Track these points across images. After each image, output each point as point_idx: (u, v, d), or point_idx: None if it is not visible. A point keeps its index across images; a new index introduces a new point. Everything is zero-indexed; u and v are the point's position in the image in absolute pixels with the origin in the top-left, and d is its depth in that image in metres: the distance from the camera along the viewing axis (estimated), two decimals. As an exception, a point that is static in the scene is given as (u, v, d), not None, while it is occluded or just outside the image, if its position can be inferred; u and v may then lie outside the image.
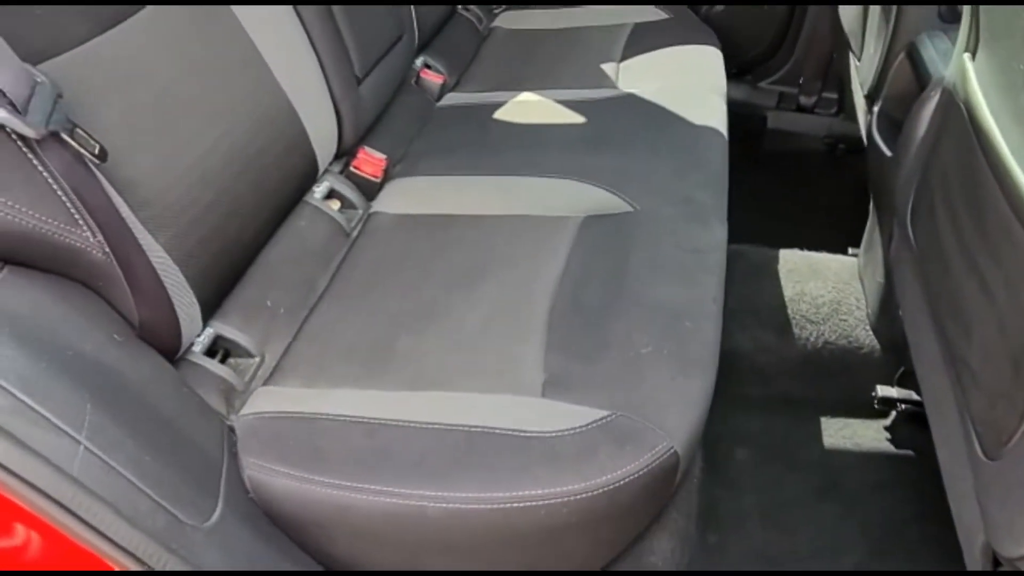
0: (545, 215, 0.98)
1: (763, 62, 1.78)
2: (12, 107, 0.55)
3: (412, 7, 1.26)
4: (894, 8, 1.03)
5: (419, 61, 1.36)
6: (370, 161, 1.08)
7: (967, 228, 0.68)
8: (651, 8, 1.56)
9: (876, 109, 1.08)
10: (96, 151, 0.61)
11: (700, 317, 0.80)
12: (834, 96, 1.73)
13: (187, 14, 0.81)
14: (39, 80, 0.59)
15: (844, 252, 1.32)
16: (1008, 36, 0.68)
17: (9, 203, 0.56)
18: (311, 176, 1.00)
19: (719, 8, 1.72)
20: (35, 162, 0.57)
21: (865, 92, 1.16)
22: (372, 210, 1.05)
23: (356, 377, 0.77)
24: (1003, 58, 0.67)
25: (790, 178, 1.67)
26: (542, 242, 0.94)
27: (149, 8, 0.76)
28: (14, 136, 0.56)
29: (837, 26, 1.46)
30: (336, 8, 1.03)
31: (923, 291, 0.79)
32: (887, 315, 1.07)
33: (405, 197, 1.07)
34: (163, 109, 0.75)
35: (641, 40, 1.44)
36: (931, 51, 0.95)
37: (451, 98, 1.33)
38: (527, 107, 1.25)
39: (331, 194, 1.03)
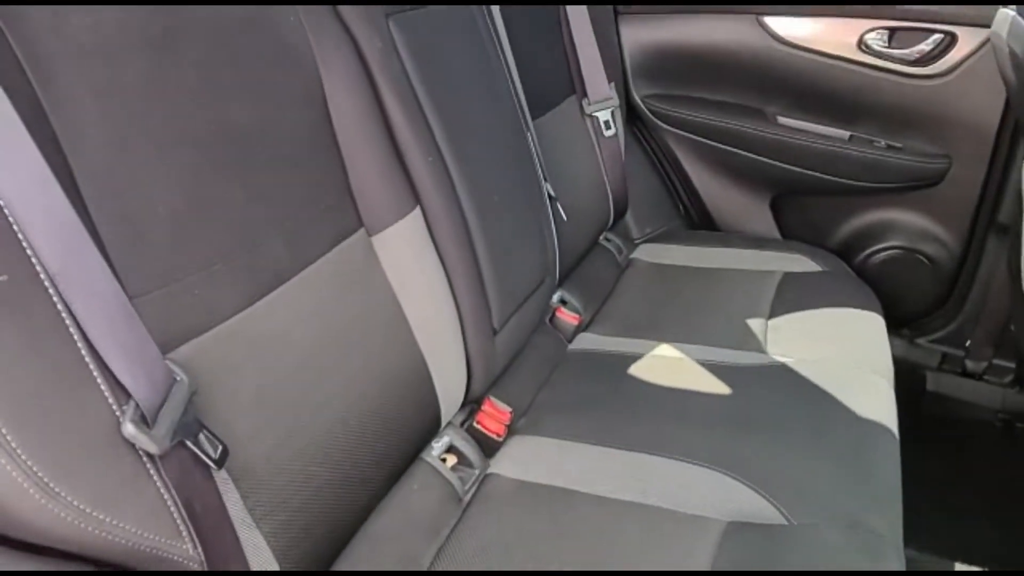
0: (682, 511, 0.86)
1: (923, 316, 1.64)
2: (142, 419, 0.52)
3: (556, 247, 1.24)
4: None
5: (555, 297, 1.33)
6: (494, 416, 1.02)
7: None
8: (801, 258, 1.48)
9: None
10: (218, 453, 0.57)
11: None
12: (1010, 365, 1.55)
13: (338, 278, 0.80)
14: (177, 378, 0.56)
15: None
16: None
17: (114, 522, 0.51)
18: (432, 432, 0.95)
19: (876, 258, 1.62)
20: (151, 473, 0.53)
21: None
22: (489, 470, 0.97)
23: None
24: None
25: (960, 460, 1.47)
26: (676, 546, 0.82)
27: (299, 277, 0.75)
28: (137, 449, 0.53)
29: (1019, 295, 1.32)
30: (481, 251, 1.01)
31: None
32: None
33: (526, 460, 0.98)
34: (297, 383, 0.72)
35: (792, 295, 1.34)
36: None
37: (584, 340, 1.28)
38: (666, 364, 1.16)
39: (449, 448, 0.97)
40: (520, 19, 1.27)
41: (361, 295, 0.84)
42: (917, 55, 1.45)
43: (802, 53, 1.53)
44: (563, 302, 1.34)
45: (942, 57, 1.43)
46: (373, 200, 0.85)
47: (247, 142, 0.71)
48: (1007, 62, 1.12)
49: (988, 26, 1.36)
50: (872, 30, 1.47)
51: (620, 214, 1.59)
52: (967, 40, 1.40)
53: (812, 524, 0.83)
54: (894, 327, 1.58)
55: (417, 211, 0.89)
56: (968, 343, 1.58)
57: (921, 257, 1.59)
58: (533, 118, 1.25)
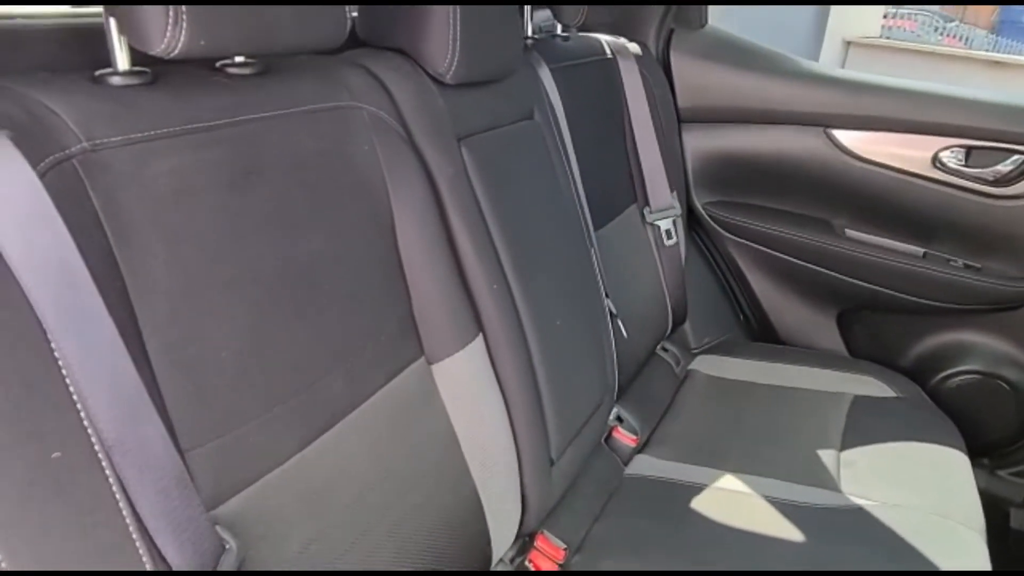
0: None
1: (1005, 447, 1.53)
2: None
3: (615, 364, 1.20)
4: None
5: (612, 415, 1.27)
6: (549, 554, 0.96)
7: None
8: (872, 380, 1.40)
9: None
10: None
11: None
12: (1103, 509, 1.42)
13: (395, 411, 0.77)
14: (226, 547, 0.53)
15: None
16: None
17: None
18: (483, 571, 0.89)
19: (953, 382, 1.53)
20: None
21: None
22: (541, 616, 0.90)
23: None
24: None
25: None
26: None
27: (356, 412, 0.72)
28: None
29: None
30: (542, 379, 0.96)
31: None
32: None
33: (581, 607, 0.91)
34: (346, 530, 0.68)
35: (864, 424, 1.26)
36: None
37: (642, 463, 1.21)
38: (730, 499, 1.09)
39: (499, 589, 0.91)
40: (586, 128, 1.26)
41: (418, 427, 0.80)
42: (995, 175, 1.40)
43: (872, 167, 1.49)
44: (619, 419, 1.28)
45: (1023, 178, 1.38)
46: (436, 329, 0.82)
47: (313, 276, 0.69)
48: None
49: (1072, 149, 1.31)
50: (946, 148, 1.43)
51: (679, 323, 1.53)
52: (1050, 162, 1.35)
53: None
54: (973, 457, 1.48)
55: (479, 339, 0.86)
56: (1056, 478, 1.47)
57: (1002, 383, 1.49)
58: (595, 228, 1.23)
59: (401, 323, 0.79)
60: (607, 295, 1.19)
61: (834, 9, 6.88)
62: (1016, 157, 1.37)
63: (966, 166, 1.42)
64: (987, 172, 1.41)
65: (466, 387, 0.85)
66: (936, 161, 1.44)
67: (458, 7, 0.84)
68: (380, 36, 0.88)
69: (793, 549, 0.98)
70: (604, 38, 1.45)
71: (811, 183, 1.56)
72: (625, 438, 1.24)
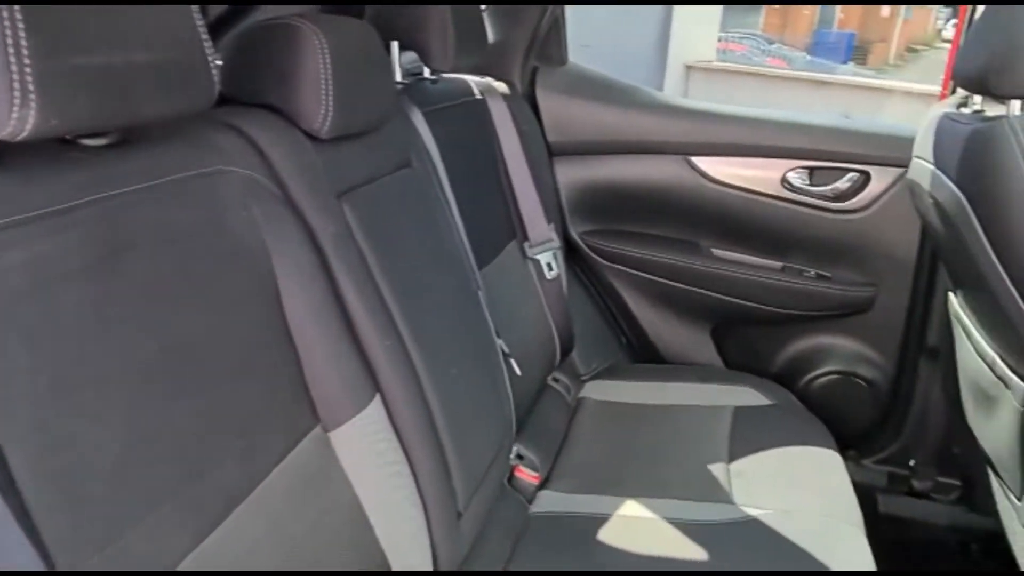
0: None
1: (867, 438, 1.66)
2: None
3: (512, 404, 1.19)
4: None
5: (513, 452, 1.26)
6: (464, 610, 0.93)
7: None
8: (748, 390, 1.48)
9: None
10: None
11: None
12: (955, 483, 1.58)
13: (294, 488, 0.72)
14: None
15: None
16: None
17: None
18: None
19: (817, 383, 1.65)
20: None
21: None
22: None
23: None
24: None
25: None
26: None
27: (252, 495, 0.67)
28: None
29: (957, 416, 1.35)
30: (444, 431, 0.94)
31: None
32: None
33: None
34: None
35: (747, 434, 1.33)
36: None
37: (546, 500, 1.21)
38: (635, 527, 1.11)
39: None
40: (462, 169, 1.26)
41: (319, 501, 0.76)
42: (835, 192, 1.54)
43: (729, 190, 1.59)
44: (520, 457, 1.28)
45: (859, 193, 1.52)
46: (330, 395, 0.78)
47: (195, 356, 0.64)
48: (928, 205, 1.18)
49: (897, 165, 1.46)
50: (792, 169, 1.55)
51: (566, 353, 1.56)
52: (880, 178, 1.49)
53: None
54: (841, 450, 1.60)
55: (377, 400, 0.83)
56: (912, 462, 1.61)
57: (859, 380, 1.63)
58: (479, 267, 1.23)
59: (294, 393, 0.75)
60: (498, 335, 1.19)
61: (674, 35, 7.38)
62: (852, 175, 1.52)
63: (810, 185, 1.55)
64: (828, 189, 1.54)
65: (366, 451, 0.82)
66: (784, 181, 1.56)
67: (328, 56, 0.81)
68: (249, 92, 0.84)
69: (700, 567, 1.01)
70: (471, 79, 1.47)
71: (677, 208, 1.64)
72: (527, 476, 1.24)
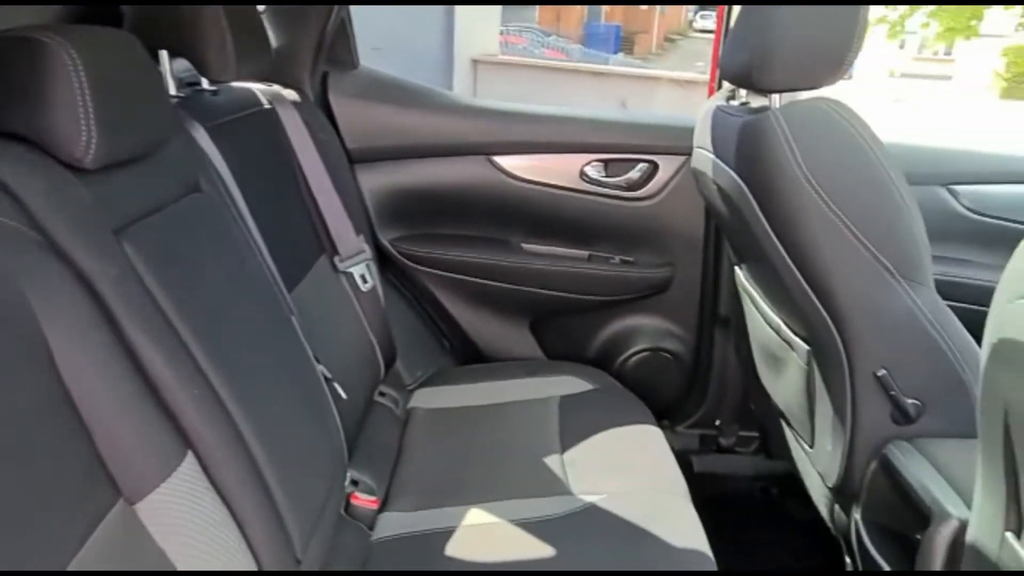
0: None
1: (678, 406, 1.80)
2: None
3: (341, 430, 1.13)
4: (848, 409, 1.04)
5: (347, 479, 1.20)
6: (315, 662, 0.87)
7: None
8: (570, 378, 1.53)
9: (858, 517, 1.04)
10: None
11: None
12: (755, 435, 1.75)
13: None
14: None
15: None
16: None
17: None
18: None
19: (630, 362, 1.75)
20: None
21: (830, 485, 1.13)
22: None
23: None
24: None
25: (737, 537, 1.60)
26: None
27: None
28: None
29: (750, 375, 1.50)
30: (272, 477, 0.86)
31: None
32: None
33: None
34: None
35: (574, 422, 1.38)
36: (912, 470, 0.94)
37: (388, 523, 1.16)
38: (481, 536, 1.10)
39: None
40: (257, 186, 1.17)
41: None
42: (629, 182, 1.63)
43: (532, 186, 1.63)
44: (355, 483, 1.22)
45: (649, 182, 1.62)
46: (131, 462, 0.68)
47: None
48: (712, 191, 1.29)
49: (681, 154, 1.58)
50: (588, 163, 1.62)
51: (390, 365, 1.52)
52: (667, 166, 1.61)
53: None
54: (657, 421, 1.71)
55: (190, 458, 0.74)
56: (718, 422, 1.77)
57: (666, 354, 1.75)
58: (288, 290, 1.15)
59: (87, 469, 0.65)
60: (318, 360, 1.12)
61: (458, 30, 7.48)
62: (642, 165, 1.62)
63: (606, 176, 1.63)
64: (622, 180, 1.63)
65: (183, 517, 0.73)
66: (583, 175, 1.63)
67: (83, 73, 0.70)
68: None
69: (552, 564, 1.03)
70: (257, 87, 1.36)
71: (484, 207, 1.66)
72: (365, 502, 1.18)
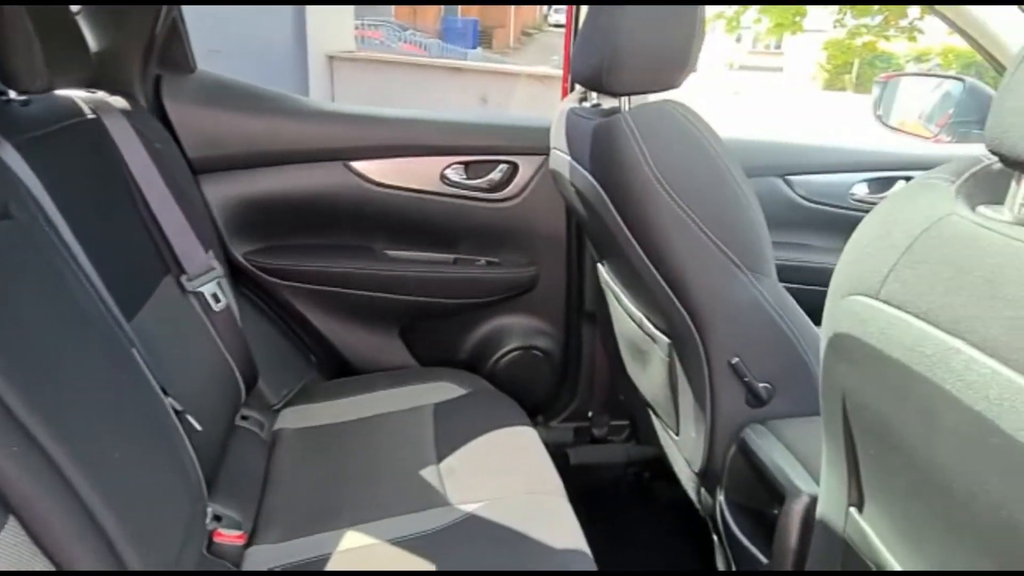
0: None
1: (551, 402, 1.82)
2: None
3: (197, 464, 1.05)
4: (708, 397, 1.09)
5: (208, 515, 1.12)
6: None
7: None
8: (443, 384, 1.51)
9: (722, 498, 1.10)
10: None
11: None
12: (625, 423, 1.81)
13: None
14: None
15: None
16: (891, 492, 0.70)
17: None
18: None
19: (502, 362, 1.76)
20: None
21: (696, 470, 1.18)
22: None
23: None
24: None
25: (613, 521, 1.65)
26: None
27: None
28: None
29: (616, 367, 1.55)
30: (114, 530, 0.78)
31: None
32: None
33: None
34: None
35: (449, 429, 1.36)
36: (766, 450, 1.00)
37: (257, 557, 1.10)
38: (361, 558, 1.06)
39: None
40: (83, 207, 1.06)
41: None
42: (490, 183, 1.63)
43: (392, 191, 1.59)
44: (217, 519, 1.14)
45: (510, 183, 1.63)
46: None
47: None
48: (571, 192, 1.31)
49: (540, 153, 1.59)
50: (449, 166, 1.60)
51: (251, 386, 1.43)
52: (526, 167, 1.62)
53: None
54: (530, 418, 1.73)
55: (11, 524, 0.66)
56: (590, 414, 1.81)
57: (536, 352, 1.77)
58: (128, 318, 1.05)
59: None
60: (166, 392, 1.03)
61: (311, 27, 7.21)
62: (502, 166, 1.62)
63: (467, 178, 1.62)
64: (483, 181, 1.63)
65: None
66: (443, 178, 1.61)
67: None
68: None
69: (430, 581, 1.01)
70: (77, 94, 1.24)
71: (343, 215, 1.60)
72: (229, 538, 1.10)
